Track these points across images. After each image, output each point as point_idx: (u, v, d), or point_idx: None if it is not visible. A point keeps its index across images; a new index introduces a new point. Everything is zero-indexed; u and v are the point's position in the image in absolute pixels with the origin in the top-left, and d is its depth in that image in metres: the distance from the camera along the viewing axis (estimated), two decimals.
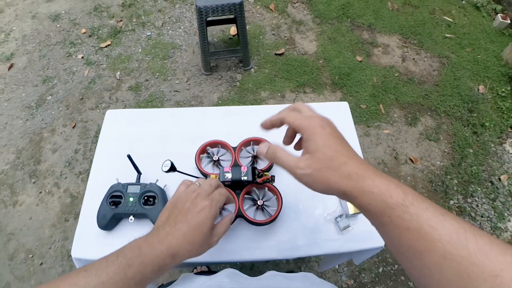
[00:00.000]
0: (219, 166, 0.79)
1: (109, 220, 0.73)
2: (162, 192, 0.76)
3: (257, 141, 0.83)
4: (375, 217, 0.37)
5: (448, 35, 2.50)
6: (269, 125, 0.49)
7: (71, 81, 2.25)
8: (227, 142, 0.82)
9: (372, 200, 0.36)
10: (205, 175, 0.77)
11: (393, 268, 1.60)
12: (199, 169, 0.78)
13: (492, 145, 1.98)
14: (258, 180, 0.71)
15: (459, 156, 1.93)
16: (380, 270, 1.59)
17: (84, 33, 2.52)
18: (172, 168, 0.66)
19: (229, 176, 0.69)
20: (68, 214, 1.74)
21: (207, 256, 0.72)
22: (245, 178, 0.69)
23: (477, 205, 1.77)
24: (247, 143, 0.83)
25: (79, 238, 0.76)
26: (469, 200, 1.79)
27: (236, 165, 0.76)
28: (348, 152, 0.40)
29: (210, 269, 1.47)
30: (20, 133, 2.04)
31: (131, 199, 0.74)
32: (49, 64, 2.35)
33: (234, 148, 0.81)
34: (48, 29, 2.56)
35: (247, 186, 0.73)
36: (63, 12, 2.67)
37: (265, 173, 0.73)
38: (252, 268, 1.57)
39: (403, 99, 2.15)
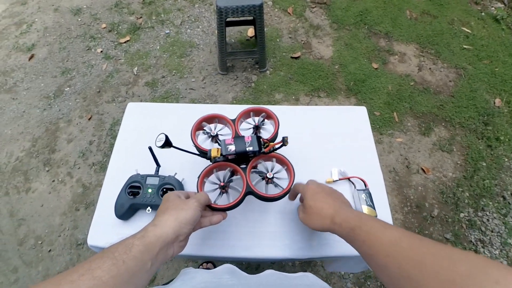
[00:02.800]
0: (219, 141, 0.71)
1: (126, 209, 0.74)
2: (180, 185, 0.77)
3: (257, 111, 0.76)
4: (346, 238, 0.54)
5: (466, 46, 2.47)
6: (292, 196, 0.73)
7: (89, 74, 2.30)
8: (225, 115, 0.75)
9: (341, 228, 0.54)
10: (204, 152, 0.68)
11: None
12: (195, 146, 0.70)
13: (506, 160, 1.94)
14: (265, 150, 0.64)
15: (471, 168, 1.90)
16: None
17: (104, 28, 2.57)
18: (167, 143, 0.62)
19: (232, 148, 0.62)
20: (79, 203, 1.77)
21: (219, 251, 0.73)
22: (251, 148, 0.62)
23: (488, 220, 1.74)
24: (246, 113, 0.76)
25: (95, 226, 0.77)
26: (479, 214, 1.76)
27: (237, 137, 0.67)
28: (328, 200, 0.60)
29: (215, 266, 1.48)
30: (37, 122, 2.08)
31: (150, 190, 0.75)
32: (69, 56, 2.40)
33: (233, 121, 0.73)
34: (69, 23, 2.62)
35: (254, 159, 0.67)
36: (84, 6, 2.73)
37: (271, 143, 0.66)
38: (258, 268, 1.57)
39: (418, 108, 2.13)
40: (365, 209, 0.76)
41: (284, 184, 0.66)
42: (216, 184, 0.66)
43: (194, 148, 0.70)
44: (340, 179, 0.83)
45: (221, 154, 0.63)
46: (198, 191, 0.64)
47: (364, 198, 0.78)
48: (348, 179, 0.83)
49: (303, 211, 0.63)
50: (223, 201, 0.65)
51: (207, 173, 0.66)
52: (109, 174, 0.85)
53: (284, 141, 0.63)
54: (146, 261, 0.45)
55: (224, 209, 0.64)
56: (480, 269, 0.34)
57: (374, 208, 0.77)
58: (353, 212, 0.56)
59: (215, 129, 0.72)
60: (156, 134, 0.91)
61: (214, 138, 0.72)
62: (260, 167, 0.69)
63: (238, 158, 0.65)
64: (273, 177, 0.66)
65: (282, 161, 0.69)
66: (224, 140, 0.64)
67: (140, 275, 0.44)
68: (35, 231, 1.70)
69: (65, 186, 1.83)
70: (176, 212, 0.53)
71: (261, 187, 0.66)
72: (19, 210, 1.77)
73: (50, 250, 1.65)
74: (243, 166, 0.67)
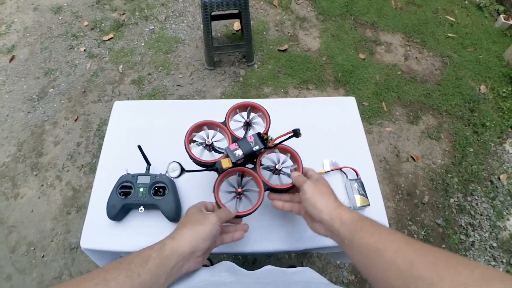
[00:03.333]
0: (216, 149, 0.68)
1: (118, 210, 0.73)
2: (172, 183, 0.76)
3: (244, 106, 0.74)
4: (350, 228, 0.49)
5: (450, 35, 2.50)
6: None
7: (73, 74, 2.24)
8: (213, 120, 0.72)
9: (349, 216, 0.51)
10: (209, 165, 0.66)
11: None
12: (196, 162, 0.67)
13: (492, 145, 1.99)
14: (269, 144, 0.65)
15: (459, 155, 1.94)
16: None
17: (86, 25, 2.50)
18: (183, 170, 0.62)
19: (239, 153, 0.62)
20: (70, 207, 1.74)
21: (218, 248, 0.73)
22: (257, 147, 0.63)
23: (477, 204, 1.78)
24: (234, 111, 0.73)
25: (88, 229, 0.76)
26: (469, 198, 1.80)
27: (236, 140, 0.66)
28: (332, 195, 0.58)
29: (212, 263, 1.48)
30: (21, 125, 2.03)
31: (141, 189, 0.74)
32: (51, 56, 2.34)
33: (223, 123, 0.71)
34: (50, 22, 2.54)
35: (259, 156, 0.68)
36: (65, 4, 2.65)
37: (267, 135, 0.67)
38: (254, 263, 1.58)
39: (405, 97, 2.16)
40: (358, 198, 0.77)
41: (287, 180, 0.68)
42: (231, 191, 0.67)
43: (193, 161, 0.68)
44: (332, 170, 0.84)
45: (232, 162, 0.61)
46: (219, 206, 0.64)
47: (357, 187, 0.79)
48: (340, 169, 0.84)
49: (312, 184, 0.59)
50: (243, 207, 0.66)
51: (220, 183, 0.66)
52: (99, 175, 0.83)
53: (297, 133, 0.61)
54: (161, 276, 0.46)
55: (249, 214, 0.64)
56: (495, 276, 0.32)
57: (366, 197, 0.78)
58: (352, 212, 0.54)
59: (207, 137, 0.69)
60: (144, 132, 0.90)
61: (209, 146, 0.68)
62: (265, 162, 0.70)
63: (245, 160, 0.65)
64: (281, 168, 0.68)
65: (286, 150, 0.70)
66: (227, 147, 0.63)
67: None
68: (27, 238, 1.67)
69: (54, 190, 1.79)
70: (194, 226, 0.53)
71: (274, 181, 0.68)
72: (9, 217, 1.72)
73: (43, 256, 1.62)
74: (250, 166, 0.67)
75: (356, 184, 0.79)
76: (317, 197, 0.56)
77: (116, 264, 0.43)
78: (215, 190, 0.64)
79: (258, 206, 0.64)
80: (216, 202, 0.64)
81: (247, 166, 0.68)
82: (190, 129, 0.68)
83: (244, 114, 0.74)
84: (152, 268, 0.44)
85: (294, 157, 0.70)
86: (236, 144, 0.63)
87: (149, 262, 0.45)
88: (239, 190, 0.66)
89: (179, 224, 0.56)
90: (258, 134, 0.65)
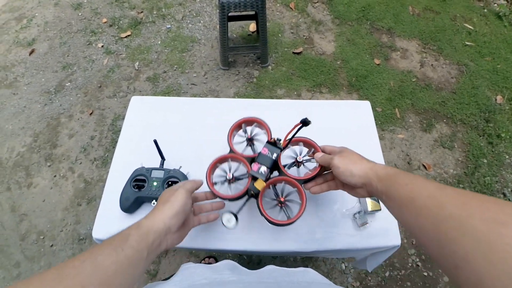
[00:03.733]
0: (241, 177, 0.71)
1: (131, 202, 0.74)
2: (185, 178, 0.77)
3: (239, 126, 0.76)
4: (386, 182, 0.51)
5: (468, 43, 2.46)
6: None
7: (90, 69, 2.29)
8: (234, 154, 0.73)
9: (385, 171, 0.53)
10: (245, 193, 0.68)
11: (400, 273, 1.59)
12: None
13: (507, 157, 1.95)
14: (283, 145, 0.68)
15: (472, 165, 1.90)
16: (387, 274, 1.59)
17: (105, 22, 2.55)
18: (236, 219, 0.62)
19: (264, 169, 0.65)
20: (81, 198, 1.77)
21: (223, 244, 0.73)
22: (275, 155, 0.67)
23: None
24: (232, 135, 0.75)
25: (100, 219, 0.77)
26: None
27: (254, 160, 0.69)
28: (363, 159, 0.59)
29: (217, 261, 1.49)
30: (38, 117, 2.08)
31: (155, 183, 0.75)
32: (70, 51, 2.39)
33: (231, 151, 0.73)
34: (70, 17, 2.60)
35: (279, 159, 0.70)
36: (85, 1, 2.71)
37: (274, 138, 0.70)
38: (259, 263, 1.58)
39: (419, 104, 2.13)
40: (369, 202, 0.76)
41: (312, 165, 0.70)
42: (274, 201, 0.69)
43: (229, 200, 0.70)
44: None
45: (264, 181, 0.65)
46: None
47: None
48: None
49: (340, 157, 0.60)
50: (289, 213, 0.67)
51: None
52: (113, 168, 0.85)
53: (306, 122, 0.61)
54: (143, 250, 0.47)
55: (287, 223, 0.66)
56: None
57: (378, 202, 0.77)
58: (392, 168, 0.55)
59: (229, 171, 0.70)
60: (160, 128, 0.91)
61: (233, 178, 0.70)
62: (285, 161, 0.72)
63: (271, 172, 0.68)
64: (302, 161, 0.70)
65: (297, 141, 0.72)
66: (251, 171, 0.65)
67: (137, 263, 0.46)
68: (37, 226, 1.71)
69: (66, 181, 1.83)
70: (163, 205, 0.55)
71: (302, 173, 0.71)
72: (21, 205, 1.77)
73: (52, 245, 1.66)
74: (275, 171, 0.71)
75: None
76: (350, 166, 0.57)
77: (99, 245, 0.45)
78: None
79: (305, 206, 0.66)
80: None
81: (274, 172, 0.70)
82: (207, 174, 0.68)
83: (249, 129, 0.76)
84: (134, 244, 0.46)
85: (308, 143, 0.71)
86: (257, 163, 0.66)
87: (129, 238, 0.47)
88: (282, 199, 0.68)
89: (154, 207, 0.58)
90: (268, 142, 0.68)
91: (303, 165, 0.72)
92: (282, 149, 0.67)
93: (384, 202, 0.52)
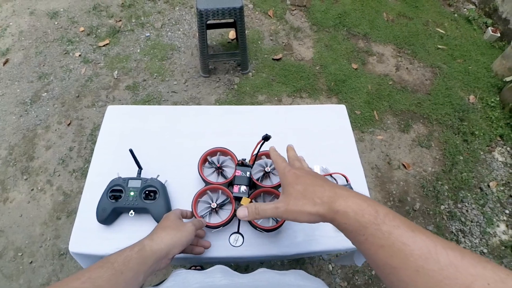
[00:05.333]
0: (223, 203, 0.76)
1: (108, 214, 0.73)
2: (163, 187, 0.76)
3: (213, 153, 0.82)
4: (352, 236, 0.40)
5: (440, 46, 2.57)
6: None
7: (67, 78, 2.24)
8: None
9: (347, 219, 0.39)
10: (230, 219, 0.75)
11: None
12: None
13: (482, 153, 2.03)
14: (250, 162, 0.77)
15: (450, 162, 1.97)
16: (373, 272, 1.61)
17: (82, 31, 2.51)
18: (243, 238, 0.69)
19: (244, 188, 0.73)
20: (60, 212, 1.72)
21: (207, 252, 0.73)
22: (248, 173, 0.75)
23: (467, 211, 1.81)
24: (202, 165, 0.81)
25: (77, 232, 0.75)
26: (459, 205, 1.83)
27: (231, 182, 0.76)
28: (319, 182, 0.46)
29: (203, 268, 1.47)
30: (13, 129, 2.01)
31: (132, 193, 0.74)
32: (46, 61, 2.33)
33: (207, 183, 0.79)
34: (46, 26, 2.55)
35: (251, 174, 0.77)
36: (61, 10, 2.66)
37: (241, 160, 0.78)
38: (247, 270, 1.57)
39: (397, 106, 2.19)
40: None
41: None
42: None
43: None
44: (324, 175, 0.85)
45: (247, 198, 0.71)
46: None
47: None
48: (330, 175, 0.85)
49: (284, 198, 0.47)
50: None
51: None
52: (89, 178, 0.83)
53: (267, 138, 0.66)
54: (140, 273, 0.49)
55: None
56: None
57: None
58: (362, 198, 0.41)
59: (212, 201, 0.75)
60: (137, 137, 0.90)
61: (217, 207, 0.75)
62: (257, 175, 0.80)
63: (251, 185, 0.76)
64: (270, 171, 0.79)
65: (267, 155, 0.82)
66: (233, 193, 0.73)
67: (132, 285, 0.48)
68: (14, 243, 1.64)
69: (45, 195, 1.77)
70: (173, 232, 0.57)
71: (267, 183, 0.80)
72: None
73: (31, 262, 1.59)
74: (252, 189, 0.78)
75: None
76: (295, 213, 0.45)
77: (100, 264, 0.46)
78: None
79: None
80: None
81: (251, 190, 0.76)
82: (193, 210, 0.73)
83: (215, 158, 0.82)
84: (134, 267, 0.48)
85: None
86: (236, 185, 0.73)
87: (131, 262, 0.48)
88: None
89: (159, 227, 0.59)
90: (238, 165, 0.76)
91: (272, 173, 0.80)
92: (251, 166, 0.76)
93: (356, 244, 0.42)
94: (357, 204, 0.40)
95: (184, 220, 0.67)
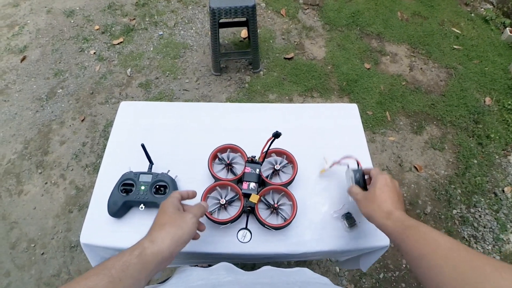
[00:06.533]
0: (231, 200, 0.76)
1: (119, 207, 0.74)
2: (173, 182, 0.77)
3: (223, 149, 0.82)
4: (397, 236, 0.54)
5: (456, 47, 2.51)
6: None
7: (82, 75, 2.29)
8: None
9: (397, 224, 0.55)
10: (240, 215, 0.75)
11: (394, 275, 1.59)
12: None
13: (497, 157, 1.98)
14: (260, 160, 0.77)
15: (463, 166, 1.93)
16: (381, 276, 1.59)
17: (97, 29, 2.56)
18: (250, 233, 0.71)
19: (253, 184, 0.74)
20: (72, 205, 1.76)
21: (211, 247, 0.73)
22: (258, 170, 0.76)
23: (480, 216, 1.76)
24: (212, 162, 0.81)
25: (88, 224, 0.77)
26: (472, 210, 1.78)
27: (241, 178, 0.77)
28: (392, 198, 0.61)
29: (210, 265, 1.48)
30: (29, 124, 2.06)
31: (143, 187, 0.75)
32: (62, 58, 2.39)
33: (216, 179, 0.79)
34: (62, 24, 2.61)
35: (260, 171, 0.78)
36: (77, 8, 2.72)
37: (251, 157, 0.78)
38: (253, 269, 1.57)
39: (410, 107, 2.16)
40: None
41: (289, 171, 0.80)
42: (269, 207, 0.77)
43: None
44: (333, 164, 0.81)
45: (257, 194, 0.73)
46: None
47: (356, 177, 0.73)
48: (339, 162, 0.80)
49: (365, 197, 0.64)
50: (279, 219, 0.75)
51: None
52: (102, 172, 0.85)
53: (277, 135, 0.67)
54: (141, 279, 0.46)
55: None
56: None
57: (366, 189, 0.70)
58: (407, 216, 0.58)
59: (221, 198, 0.75)
60: (148, 132, 0.92)
61: (226, 203, 0.75)
62: (266, 173, 0.80)
63: (259, 183, 0.76)
64: (280, 168, 0.79)
65: (283, 153, 0.82)
66: (243, 189, 0.74)
67: None
68: (28, 234, 1.68)
69: (58, 188, 1.81)
70: (173, 230, 0.52)
71: (276, 180, 0.80)
72: (11, 213, 1.74)
73: (43, 253, 1.63)
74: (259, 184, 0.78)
75: (358, 174, 0.73)
76: (370, 211, 0.62)
77: (96, 271, 0.43)
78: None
79: (297, 205, 0.73)
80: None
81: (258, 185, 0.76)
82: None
83: (225, 155, 0.83)
84: (134, 274, 0.45)
85: (281, 153, 0.82)
86: (245, 182, 0.74)
87: (130, 267, 0.45)
88: (276, 205, 0.74)
89: (156, 224, 0.54)
90: (247, 161, 0.77)
91: (282, 171, 0.80)
92: (261, 163, 0.77)
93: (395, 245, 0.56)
94: (402, 215, 0.57)
95: (187, 201, 0.63)
